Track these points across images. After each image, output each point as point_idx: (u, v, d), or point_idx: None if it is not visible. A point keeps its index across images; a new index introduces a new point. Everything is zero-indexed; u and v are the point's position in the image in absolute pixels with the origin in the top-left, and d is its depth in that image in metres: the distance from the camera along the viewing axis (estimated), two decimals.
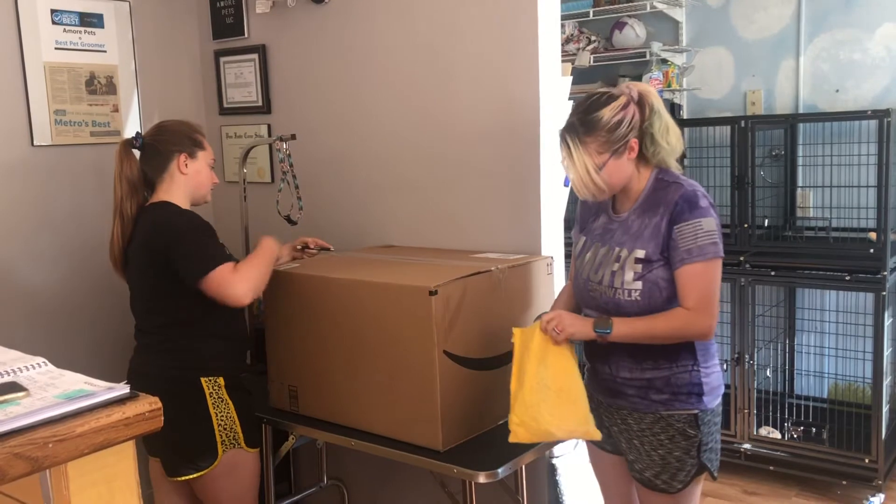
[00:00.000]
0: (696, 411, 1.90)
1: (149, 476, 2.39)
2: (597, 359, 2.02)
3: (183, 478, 2.22)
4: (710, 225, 1.85)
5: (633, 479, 2.03)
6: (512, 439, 1.92)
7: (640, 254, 1.90)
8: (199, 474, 2.21)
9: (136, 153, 2.28)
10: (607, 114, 1.88)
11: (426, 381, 2.06)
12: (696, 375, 1.91)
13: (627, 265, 1.91)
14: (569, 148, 1.91)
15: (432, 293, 2.01)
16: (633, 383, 1.94)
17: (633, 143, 1.90)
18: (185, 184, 2.26)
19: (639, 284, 1.89)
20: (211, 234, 2.20)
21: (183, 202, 2.26)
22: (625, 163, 1.91)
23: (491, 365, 2.18)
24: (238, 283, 2.13)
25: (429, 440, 2.09)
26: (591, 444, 2.14)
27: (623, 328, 1.88)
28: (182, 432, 2.16)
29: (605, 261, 1.97)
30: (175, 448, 2.21)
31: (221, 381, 2.22)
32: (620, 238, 1.95)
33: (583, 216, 2.11)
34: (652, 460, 1.94)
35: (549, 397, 1.91)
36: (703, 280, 1.84)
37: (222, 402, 2.21)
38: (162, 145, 2.25)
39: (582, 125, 1.90)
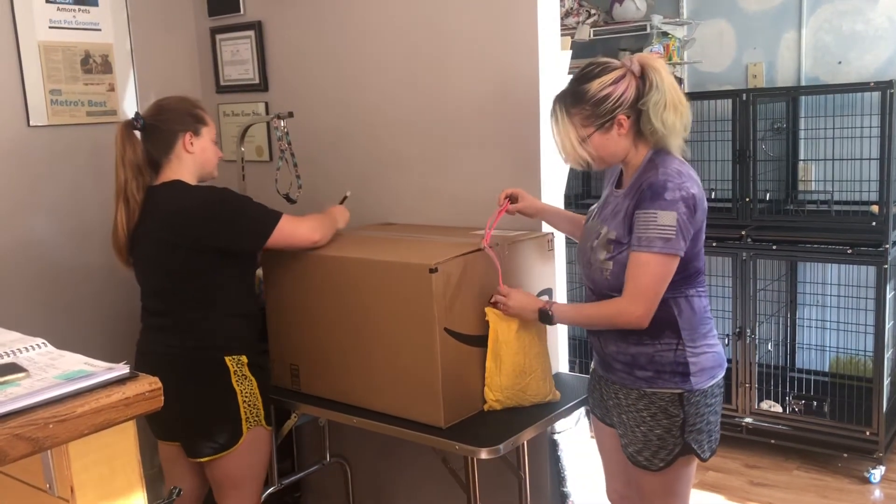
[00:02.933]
0: (680, 391, 1.87)
1: (150, 456, 2.40)
2: (590, 331, 2.04)
3: (206, 458, 2.19)
4: (666, 219, 1.78)
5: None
6: (487, 409, 2.17)
7: (612, 235, 1.89)
8: (223, 454, 2.18)
9: (138, 134, 2.23)
10: (594, 87, 1.84)
11: (427, 358, 2.06)
12: (681, 355, 1.87)
13: (601, 244, 1.91)
14: (556, 116, 1.91)
15: (433, 271, 2.00)
16: (619, 357, 1.94)
17: (622, 119, 1.85)
18: (193, 162, 2.24)
19: (610, 264, 1.88)
20: (241, 197, 2.21)
21: (192, 180, 2.23)
22: (614, 137, 1.87)
23: None
24: (302, 224, 2.23)
25: (431, 417, 2.09)
26: (594, 417, 2.16)
27: (563, 315, 2.00)
28: (207, 411, 2.15)
29: (591, 233, 1.97)
30: (198, 428, 2.18)
31: (244, 358, 2.21)
32: (607, 214, 1.94)
33: (605, 181, 2.09)
34: (635, 436, 1.93)
35: (523, 380, 2.15)
36: (642, 270, 1.81)
37: (246, 379, 2.19)
38: (165, 125, 2.20)
39: (570, 95, 1.89)
